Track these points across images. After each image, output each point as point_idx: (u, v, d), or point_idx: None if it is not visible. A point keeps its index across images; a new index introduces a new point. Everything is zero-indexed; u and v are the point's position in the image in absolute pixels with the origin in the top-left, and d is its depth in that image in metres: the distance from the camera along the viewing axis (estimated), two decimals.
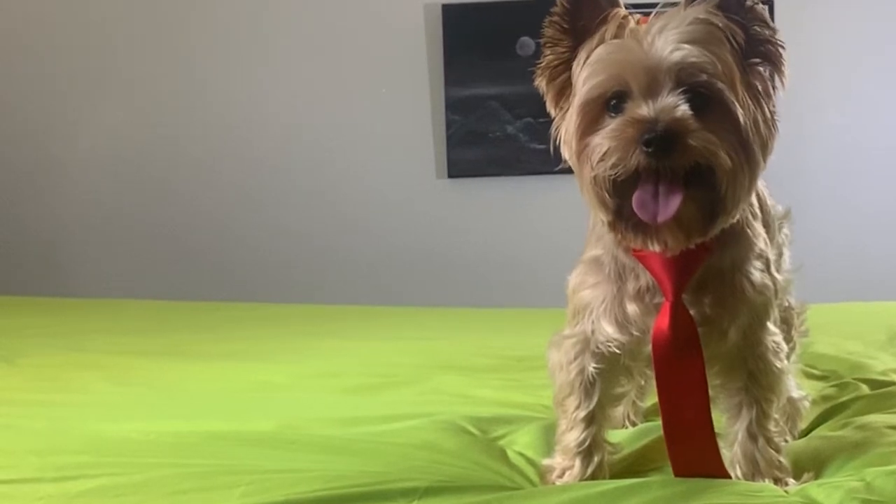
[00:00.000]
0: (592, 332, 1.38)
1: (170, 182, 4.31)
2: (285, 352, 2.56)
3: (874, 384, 1.99)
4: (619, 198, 1.23)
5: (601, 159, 1.21)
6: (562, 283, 1.47)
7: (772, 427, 1.39)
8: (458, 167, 4.21)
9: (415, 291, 4.05)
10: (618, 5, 1.28)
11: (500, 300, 3.84)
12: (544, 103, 1.37)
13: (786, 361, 1.41)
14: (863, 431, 1.59)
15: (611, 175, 1.21)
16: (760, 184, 1.47)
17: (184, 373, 2.30)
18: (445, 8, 4.18)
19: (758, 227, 1.39)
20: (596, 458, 1.43)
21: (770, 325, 1.39)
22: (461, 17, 4.18)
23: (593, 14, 1.28)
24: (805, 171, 4.06)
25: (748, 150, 1.22)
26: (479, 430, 1.66)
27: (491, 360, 2.36)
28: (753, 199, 1.39)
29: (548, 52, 1.32)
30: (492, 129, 4.17)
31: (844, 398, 1.86)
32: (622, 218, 1.24)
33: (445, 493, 1.32)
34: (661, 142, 1.16)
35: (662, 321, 1.30)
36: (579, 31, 1.29)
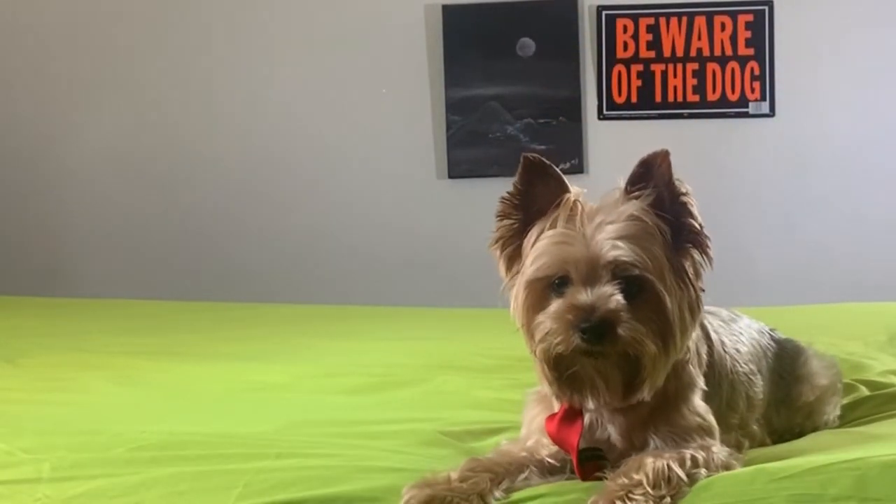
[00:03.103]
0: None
1: (170, 183, 4.30)
2: (285, 352, 2.56)
3: (874, 386, 1.99)
4: (558, 371, 1.37)
5: (542, 339, 1.36)
6: None
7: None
8: (458, 167, 4.21)
9: (415, 291, 4.04)
10: (567, 190, 1.42)
11: (500, 301, 3.83)
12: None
13: (703, 472, 1.35)
14: (862, 433, 1.59)
15: (551, 351, 1.35)
16: (729, 345, 1.59)
17: (184, 373, 2.30)
18: (445, 8, 4.17)
19: (695, 372, 1.47)
20: None
21: (709, 439, 1.41)
22: (461, 17, 4.17)
23: (546, 194, 1.43)
24: (805, 172, 4.06)
25: (670, 337, 1.36)
26: (474, 434, 1.67)
27: (492, 361, 2.36)
28: (703, 355, 1.51)
29: (500, 225, 1.47)
30: (492, 130, 4.15)
31: (844, 400, 1.86)
32: (562, 385, 1.38)
33: None
34: (595, 330, 1.31)
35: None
36: (531, 209, 1.44)
